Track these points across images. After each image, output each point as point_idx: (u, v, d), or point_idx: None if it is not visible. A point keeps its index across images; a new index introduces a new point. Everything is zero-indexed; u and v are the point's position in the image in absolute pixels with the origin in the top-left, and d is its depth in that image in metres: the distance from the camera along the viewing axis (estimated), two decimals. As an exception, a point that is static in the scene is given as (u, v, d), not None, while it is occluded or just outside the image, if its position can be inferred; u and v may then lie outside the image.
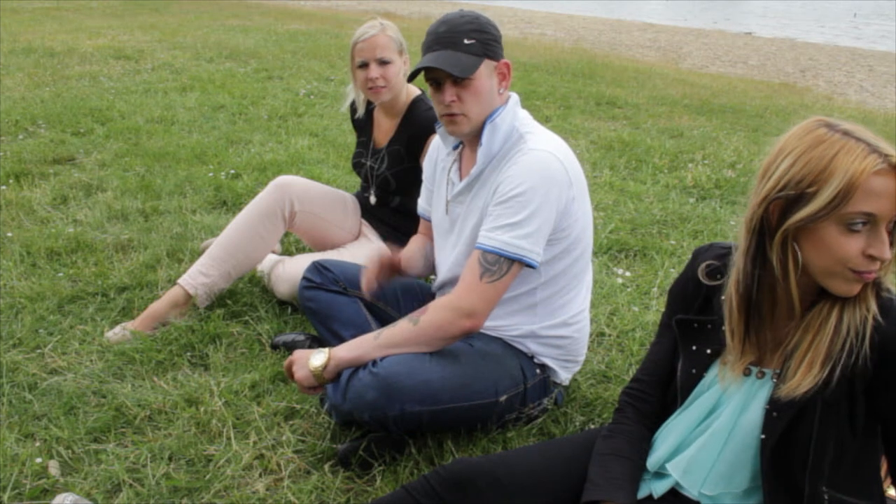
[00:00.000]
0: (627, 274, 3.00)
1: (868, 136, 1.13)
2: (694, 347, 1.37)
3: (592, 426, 2.02)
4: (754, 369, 1.30)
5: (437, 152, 2.11)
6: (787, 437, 1.21)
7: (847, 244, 1.13)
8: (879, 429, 1.22)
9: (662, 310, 2.65)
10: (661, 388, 1.45)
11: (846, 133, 1.13)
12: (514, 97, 1.90)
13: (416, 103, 2.61)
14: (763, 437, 1.24)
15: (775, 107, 6.89)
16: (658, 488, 1.38)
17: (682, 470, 1.37)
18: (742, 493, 1.30)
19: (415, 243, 2.24)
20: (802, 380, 1.18)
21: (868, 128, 1.17)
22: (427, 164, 2.17)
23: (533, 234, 1.73)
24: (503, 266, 1.73)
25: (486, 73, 1.79)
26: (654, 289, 2.86)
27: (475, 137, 1.87)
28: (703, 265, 1.38)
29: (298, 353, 1.83)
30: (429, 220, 2.19)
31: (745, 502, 1.31)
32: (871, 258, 1.14)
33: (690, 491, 1.35)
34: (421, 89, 2.66)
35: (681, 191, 4.13)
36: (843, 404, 1.18)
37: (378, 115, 2.72)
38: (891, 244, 1.15)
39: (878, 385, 1.17)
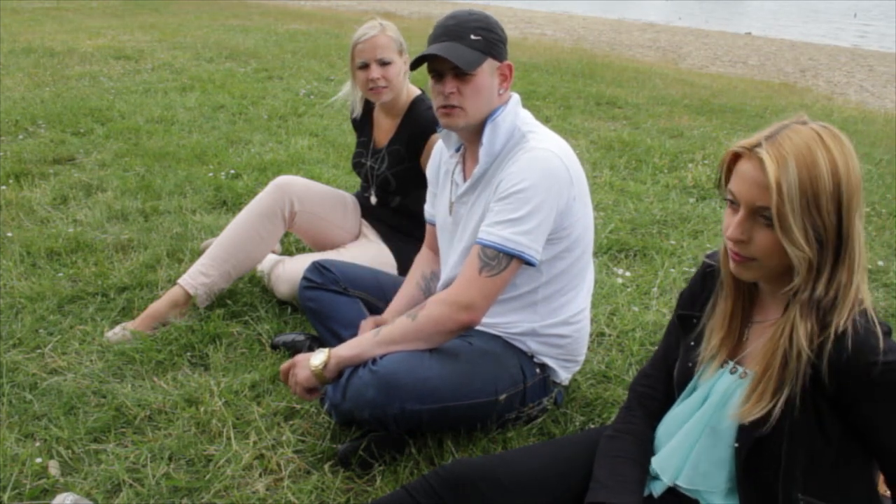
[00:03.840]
0: (627, 274, 3.00)
1: (774, 128, 1.19)
2: (692, 343, 1.39)
3: (592, 426, 2.02)
4: (730, 363, 1.32)
5: (440, 156, 2.11)
6: (758, 445, 1.23)
7: (725, 220, 1.24)
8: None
9: (662, 310, 2.67)
10: (669, 383, 1.46)
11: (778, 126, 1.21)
12: (516, 97, 1.90)
13: (417, 103, 2.60)
14: (736, 445, 1.25)
15: (775, 107, 6.88)
16: (657, 487, 1.39)
17: (659, 460, 1.38)
18: (724, 492, 1.31)
19: (408, 285, 2.13)
20: (752, 409, 1.21)
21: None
22: (430, 168, 2.16)
23: (533, 230, 1.73)
24: (502, 261, 1.73)
25: (488, 71, 1.79)
26: (654, 289, 2.86)
27: (477, 137, 1.86)
28: (708, 266, 1.41)
29: (298, 357, 1.83)
30: (433, 225, 2.17)
31: (732, 501, 1.31)
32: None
33: (665, 480, 1.36)
34: (421, 89, 2.66)
35: (681, 191, 4.13)
36: (812, 415, 1.18)
37: (378, 115, 2.72)
38: (747, 235, 1.20)
39: (843, 403, 1.17)
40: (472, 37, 1.76)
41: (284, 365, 1.85)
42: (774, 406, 1.19)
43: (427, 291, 2.12)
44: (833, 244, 1.16)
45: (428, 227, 2.22)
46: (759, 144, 1.17)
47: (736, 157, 1.21)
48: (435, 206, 2.14)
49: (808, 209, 1.14)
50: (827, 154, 1.14)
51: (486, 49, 1.77)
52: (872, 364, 1.13)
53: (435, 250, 2.18)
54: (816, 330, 1.17)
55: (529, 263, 1.76)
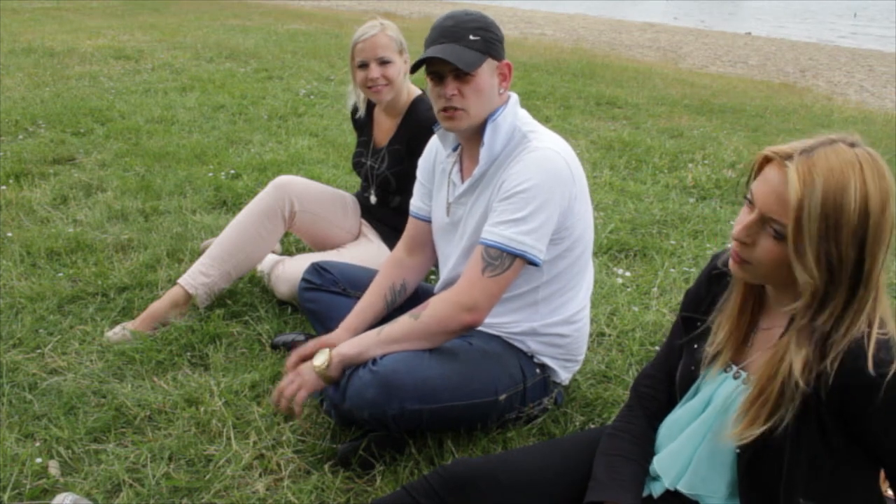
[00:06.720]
0: (627, 274, 3.00)
1: (816, 141, 1.15)
2: (696, 346, 1.38)
3: (592, 426, 2.02)
4: (734, 368, 1.31)
5: (435, 154, 2.08)
6: (760, 451, 1.22)
7: (739, 216, 1.21)
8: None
9: (662, 310, 2.67)
10: (671, 384, 1.46)
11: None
12: (514, 97, 1.90)
13: (417, 103, 2.60)
14: (738, 451, 1.25)
15: (775, 107, 6.89)
16: (657, 488, 1.38)
17: (660, 462, 1.38)
18: (725, 496, 1.30)
19: (374, 295, 2.04)
20: (745, 431, 1.20)
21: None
22: (423, 163, 2.13)
23: (536, 230, 1.73)
24: (505, 261, 1.73)
25: (488, 70, 1.79)
26: (654, 289, 2.86)
27: (476, 138, 1.86)
28: (714, 268, 1.40)
29: (302, 366, 1.82)
30: (419, 220, 2.12)
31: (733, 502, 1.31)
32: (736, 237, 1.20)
33: (665, 484, 1.36)
34: (421, 89, 2.66)
35: (681, 191, 4.13)
36: (814, 424, 1.17)
37: (378, 115, 2.72)
38: (752, 244, 1.18)
39: (846, 416, 1.15)
40: (471, 37, 1.75)
41: (288, 362, 1.84)
42: (769, 427, 1.17)
43: (392, 305, 2.05)
44: (848, 280, 1.11)
45: (410, 220, 2.15)
46: (791, 156, 1.12)
47: (768, 160, 1.17)
48: (431, 205, 2.10)
49: (826, 237, 1.08)
50: (861, 184, 1.08)
51: (484, 49, 1.77)
52: (876, 385, 1.09)
53: (410, 249, 2.12)
54: (815, 360, 1.13)
55: (533, 263, 1.76)
